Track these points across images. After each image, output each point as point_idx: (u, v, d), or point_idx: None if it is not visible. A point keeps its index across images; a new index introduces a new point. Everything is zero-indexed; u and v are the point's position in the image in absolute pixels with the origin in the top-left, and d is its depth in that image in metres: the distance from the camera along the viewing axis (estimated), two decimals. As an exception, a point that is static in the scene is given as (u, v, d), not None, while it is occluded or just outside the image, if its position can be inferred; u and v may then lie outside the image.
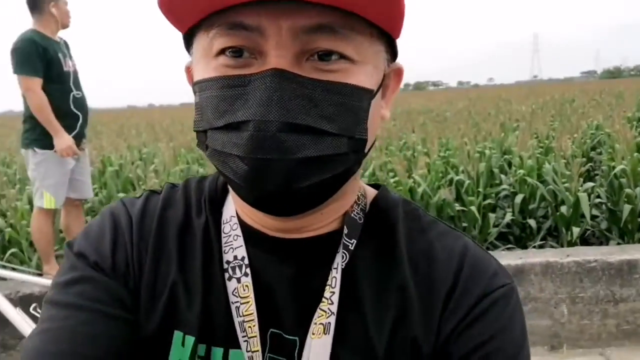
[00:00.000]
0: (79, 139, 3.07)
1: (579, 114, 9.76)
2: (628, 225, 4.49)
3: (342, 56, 0.54)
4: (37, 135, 2.91)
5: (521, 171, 5.39)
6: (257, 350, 0.61)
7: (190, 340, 0.63)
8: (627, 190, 4.93)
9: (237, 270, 0.64)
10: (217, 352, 0.63)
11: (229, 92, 0.54)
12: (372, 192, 0.72)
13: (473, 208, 4.54)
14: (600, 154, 6.89)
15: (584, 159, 5.88)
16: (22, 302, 2.93)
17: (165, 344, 0.64)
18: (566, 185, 4.97)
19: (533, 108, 12.27)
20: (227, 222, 0.67)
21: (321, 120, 0.53)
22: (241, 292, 0.63)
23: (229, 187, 0.66)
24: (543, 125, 8.04)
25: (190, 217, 0.69)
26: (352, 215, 0.66)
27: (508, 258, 3.15)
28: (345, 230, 0.65)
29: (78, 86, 3.08)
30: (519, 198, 5.01)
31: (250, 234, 0.66)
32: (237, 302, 0.63)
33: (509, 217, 4.78)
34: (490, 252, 0.70)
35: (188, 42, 0.62)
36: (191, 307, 0.64)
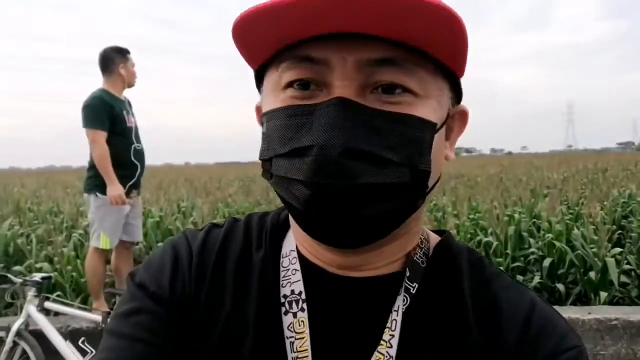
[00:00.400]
0: (136, 186, 3.38)
1: (611, 182, 9.75)
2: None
3: (406, 89, 0.55)
4: (99, 182, 3.22)
5: (549, 235, 5.45)
6: None
7: None
8: (657, 257, 4.96)
9: (294, 304, 0.62)
10: None
11: (294, 120, 0.55)
12: (435, 238, 0.71)
13: (501, 269, 4.61)
14: (631, 222, 6.88)
15: (614, 226, 5.90)
16: (72, 335, 3.14)
17: None
18: (594, 250, 5.02)
19: (565, 175, 12.27)
20: (286, 256, 0.67)
21: (384, 148, 0.53)
22: (297, 327, 0.61)
23: (291, 218, 0.66)
24: (574, 192, 8.08)
25: (250, 250, 0.68)
26: (415, 258, 0.65)
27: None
28: (408, 273, 0.63)
29: (138, 139, 3.42)
30: (547, 262, 5.06)
31: (309, 269, 0.65)
32: (292, 337, 0.61)
33: (537, 279, 4.82)
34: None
35: (259, 81, 0.64)
36: (245, 341, 0.62)
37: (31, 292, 3.11)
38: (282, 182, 0.57)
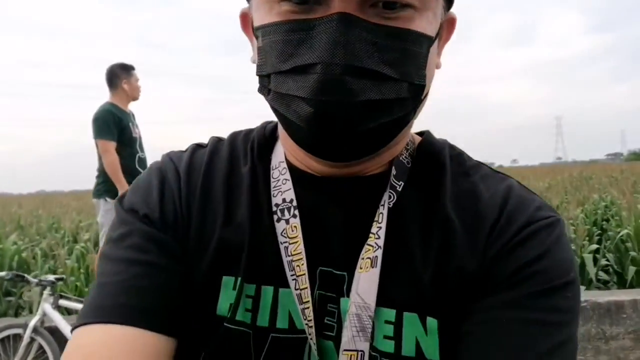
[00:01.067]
0: None
1: (595, 188, 10.10)
2: (634, 285, 4.78)
3: (405, 5, 0.54)
4: (108, 187, 3.51)
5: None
6: (306, 288, 0.61)
7: (238, 281, 0.64)
8: (632, 254, 5.26)
9: (286, 212, 0.64)
10: (267, 290, 0.63)
11: (294, 35, 0.54)
12: (418, 138, 0.73)
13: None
14: (611, 224, 7.19)
15: (595, 228, 6.20)
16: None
17: (214, 290, 0.64)
18: (572, 248, 5.32)
19: (550, 183, 12.63)
20: (276, 168, 0.68)
21: (385, 65, 0.53)
22: (289, 232, 0.63)
23: (281, 131, 0.69)
24: (556, 197, 8.42)
25: (237, 165, 0.69)
26: (401, 159, 0.67)
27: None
28: (394, 172, 0.65)
29: (142, 149, 3.74)
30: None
31: (299, 177, 0.67)
32: (285, 242, 0.63)
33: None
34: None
35: None
36: (239, 250, 0.64)
37: (46, 291, 3.36)
38: (283, 99, 0.57)
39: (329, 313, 0.62)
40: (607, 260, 5.42)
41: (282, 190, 0.66)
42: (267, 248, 0.64)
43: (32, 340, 3.27)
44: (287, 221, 0.64)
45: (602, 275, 5.24)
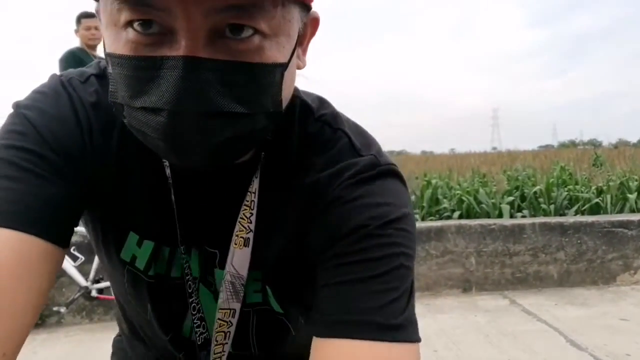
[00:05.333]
0: None
1: (521, 164, 11.04)
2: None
3: (255, 30, 0.50)
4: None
5: (459, 192, 6.48)
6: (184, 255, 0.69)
7: (136, 238, 0.68)
8: (543, 206, 6.07)
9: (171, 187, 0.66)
10: (165, 250, 0.69)
11: (140, 73, 0.50)
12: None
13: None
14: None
15: (515, 190, 6.97)
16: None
17: (119, 240, 0.68)
18: (493, 202, 6.09)
19: (481, 161, 13.58)
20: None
21: (236, 103, 0.51)
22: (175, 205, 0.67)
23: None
24: (487, 170, 9.24)
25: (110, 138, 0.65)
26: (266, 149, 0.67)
27: (432, 222, 4.23)
28: (263, 161, 0.66)
29: None
30: (456, 214, 6.06)
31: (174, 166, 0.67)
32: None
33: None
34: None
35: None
36: (139, 211, 0.67)
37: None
38: (138, 132, 0.54)
39: (207, 282, 0.71)
40: (521, 211, 6.18)
41: (167, 164, 0.67)
42: (164, 211, 0.67)
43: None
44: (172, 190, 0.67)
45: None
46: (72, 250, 3.72)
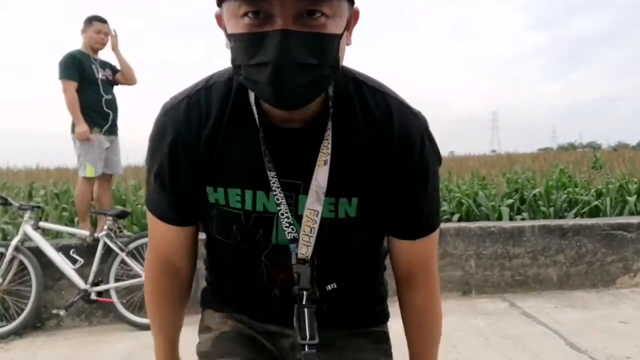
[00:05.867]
0: (112, 130, 4.04)
1: (520, 166, 11.03)
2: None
3: (322, 13, 0.78)
4: (81, 123, 3.88)
5: (458, 195, 6.47)
6: (278, 187, 0.92)
7: (224, 188, 0.96)
8: (543, 209, 6.06)
9: (262, 141, 0.92)
10: (248, 193, 0.95)
11: (252, 43, 0.79)
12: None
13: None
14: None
15: (514, 193, 6.97)
16: (63, 249, 3.75)
17: (204, 195, 0.97)
18: (493, 204, 6.08)
19: (480, 163, 13.60)
20: (256, 113, 0.93)
21: (311, 57, 0.78)
22: (266, 154, 0.92)
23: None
24: (486, 172, 9.23)
25: (223, 106, 0.95)
26: (330, 102, 0.93)
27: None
28: (331, 117, 0.92)
29: (108, 91, 4.01)
30: (455, 217, 6.04)
31: (268, 123, 0.93)
32: (266, 159, 0.92)
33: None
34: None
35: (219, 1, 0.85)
36: (238, 165, 0.95)
37: (27, 214, 3.71)
38: (250, 82, 0.83)
39: (288, 205, 0.95)
40: (521, 214, 6.18)
41: (259, 124, 0.93)
42: (255, 165, 0.93)
43: (13, 257, 3.62)
44: (265, 148, 0.93)
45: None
46: (71, 253, 3.73)
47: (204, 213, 1.00)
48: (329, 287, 1.01)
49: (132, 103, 4.48)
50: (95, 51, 4.12)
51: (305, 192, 0.93)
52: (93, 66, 4.01)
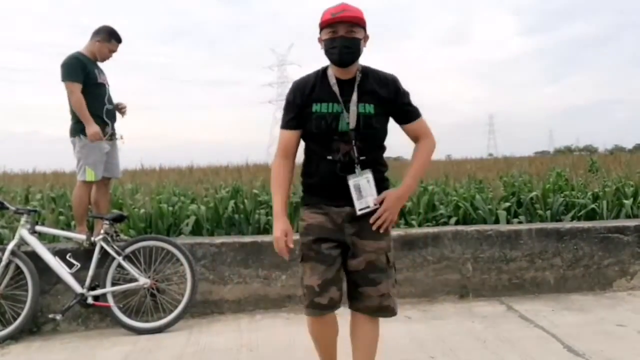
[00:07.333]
0: (113, 134, 4.02)
1: (517, 170, 11.05)
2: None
3: (354, 31, 2.15)
4: (83, 126, 3.80)
5: (456, 198, 6.48)
6: (341, 103, 2.18)
7: (320, 105, 2.20)
8: (539, 212, 6.07)
9: (333, 86, 2.22)
10: (330, 105, 2.18)
11: (332, 40, 2.14)
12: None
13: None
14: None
15: (512, 196, 6.99)
16: (59, 253, 3.74)
17: (310, 108, 2.20)
18: (490, 207, 6.08)
19: (477, 167, 13.63)
20: (331, 76, 2.22)
21: (353, 43, 2.14)
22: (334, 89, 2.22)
23: (330, 63, 2.23)
24: (483, 176, 9.25)
25: (317, 76, 2.26)
26: (358, 70, 2.25)
27: (429, 228, 4.21)
28: (359, 74, 2.23)
29: (110, 101, 4.00)
30: (453, 221, 6.05)
31: (337, 79, 2.24)
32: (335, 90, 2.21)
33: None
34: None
35: (320, 30, 2.20)
36: (323, 96, 2.19)
37: (24, 218, 3.70)
38: (328, 53, 2.18)
39: (345, 109, 2.19)
40: (518, 217, 6.18)
41: (332, 83, 2.21)
42: (331, 96, 2.20)
43: (9, 261, 3.60)
44: (336, 86, 2.23)
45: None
46: (68, 257, 3.71)
47: (306, 119, 2.17)
48: (362, 158, 2.14)
49: (130, 107, 4.43)
50: (97, 60, 4.11)
51: (349, 104, 2.15)
52: (96, 70, 4.01)
